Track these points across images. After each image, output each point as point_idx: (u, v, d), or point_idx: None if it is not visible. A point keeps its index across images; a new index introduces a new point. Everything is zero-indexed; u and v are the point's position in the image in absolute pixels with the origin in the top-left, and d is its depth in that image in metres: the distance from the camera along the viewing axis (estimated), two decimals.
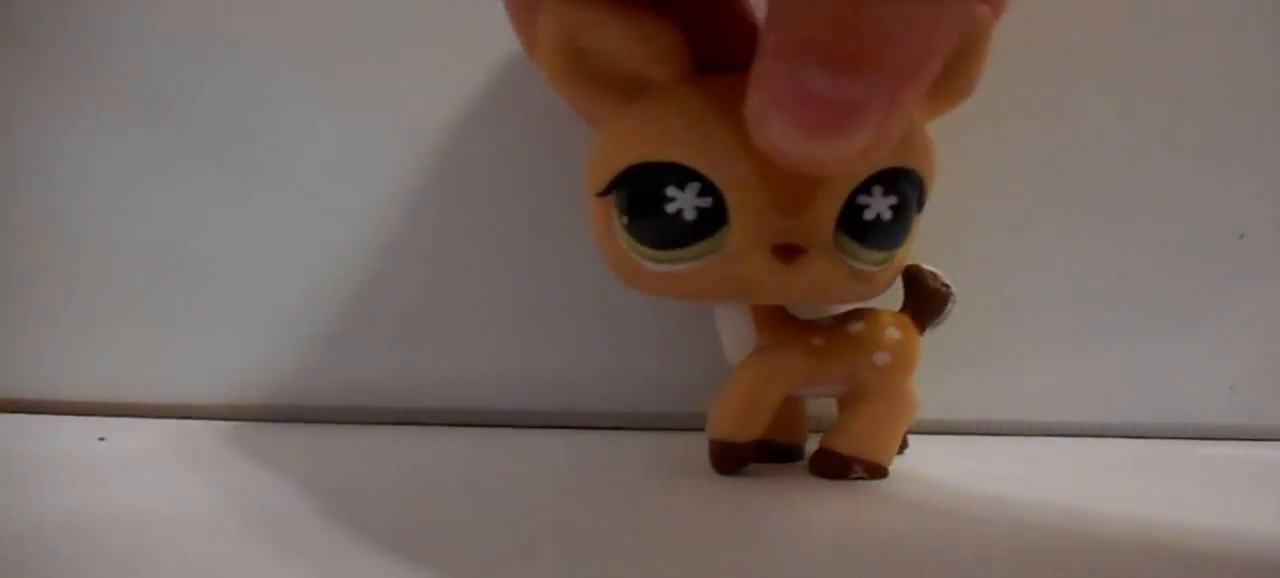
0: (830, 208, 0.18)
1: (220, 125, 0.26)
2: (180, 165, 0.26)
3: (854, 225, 0.18)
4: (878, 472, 0.21)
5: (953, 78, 0.18)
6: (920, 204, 0.19)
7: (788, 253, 0.18)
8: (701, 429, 0.21)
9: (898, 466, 0.22)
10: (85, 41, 0.26)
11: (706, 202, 0.18)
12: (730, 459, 0.21)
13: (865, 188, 0.18)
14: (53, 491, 0.19)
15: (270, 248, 0.26)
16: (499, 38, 0.25)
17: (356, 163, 0.26)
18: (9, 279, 0.27)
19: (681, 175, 0.18)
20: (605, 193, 0.19)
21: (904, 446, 0.24)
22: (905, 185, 0.18)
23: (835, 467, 0.21)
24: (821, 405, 0.23)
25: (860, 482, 0.21)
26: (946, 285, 0.22)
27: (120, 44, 0.26)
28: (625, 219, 0.19)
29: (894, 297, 0.21)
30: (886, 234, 0.19)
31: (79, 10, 0.26)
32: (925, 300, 0.22)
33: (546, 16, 0.17)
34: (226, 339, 0.27)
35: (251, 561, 0.15)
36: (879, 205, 0.18)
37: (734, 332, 0.21)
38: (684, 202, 0.18)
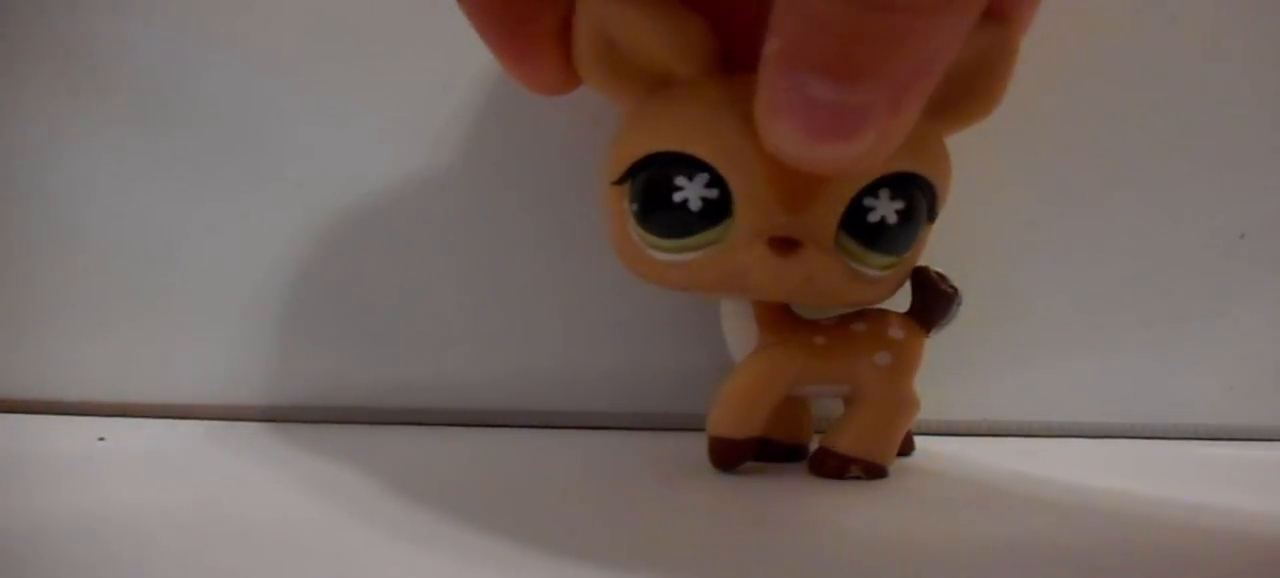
0: (833, 207, 0.18)
1: (219, 126, 0.26)
2: (179, 165, 0.26)
3: (857, 227, 0.18)
4: (876, 472, 0.21)
5: (975, 93, 0.18)
6: (932, 214, 0.19)
7: (784, 245, 0.18)
8: (702, 429, 0.21)
9: (897, 465, 0.22)
10: (83, 42, 0.26)
11: (713, 193, 0.18)
12: (728, 456, 0.21)
13: (872, 190, 0.18)
14: (53, 491, 0.19)
15: (270, 248, 0.26)
16: None
17: (357, 163, 0.26)
18: (8, 279, 0.27)
19: (691, 166, 0.18)
20: (621, 181, 0.19)
21: (910, 447, 0.24)
22: (915, 191, 0.18)
23: (833, 466, 0.21)
24: (829, 406, 0.23)
25: (860, 482, 0.21)
26: (953, 288, 0.22)
27: (119, 44, 0.26)
28: (635, 206, 0.19)
29: (902, 298, 0.21)
30: (891, 238, 0.19)
31: (78, 11, 0.26)
32: (932, 302, 0.22)
33: (580, 10, 0.18)
34: (226, 339, 0.27)
35: (252, 561, 0.15)
36: (885, 209, 0.18)
37: (739, 329, 0.21)
38: (691, 192, 0.18)
